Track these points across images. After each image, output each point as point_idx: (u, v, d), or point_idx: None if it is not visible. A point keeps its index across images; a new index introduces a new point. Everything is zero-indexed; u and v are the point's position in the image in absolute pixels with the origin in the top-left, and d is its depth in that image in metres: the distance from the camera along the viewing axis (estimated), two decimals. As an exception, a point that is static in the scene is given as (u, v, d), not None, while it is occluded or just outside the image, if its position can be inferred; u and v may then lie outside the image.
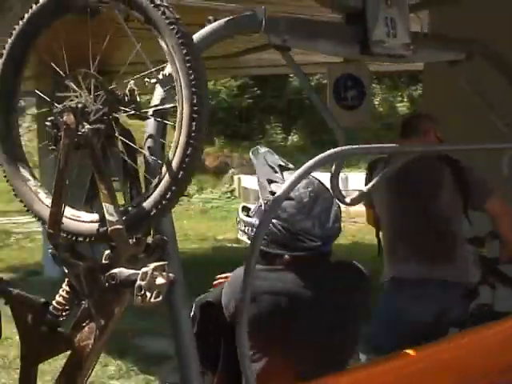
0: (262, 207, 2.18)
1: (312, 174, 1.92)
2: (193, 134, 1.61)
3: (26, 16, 1.79)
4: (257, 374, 1.85)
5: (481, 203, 3.58)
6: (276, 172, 2.22)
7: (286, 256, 2.18)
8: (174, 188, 1.61)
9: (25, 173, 1.81)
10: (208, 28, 1.83)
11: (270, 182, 2.22)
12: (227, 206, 21.14)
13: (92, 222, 1.68)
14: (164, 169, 1.63)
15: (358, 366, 2.21)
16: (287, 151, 23.67)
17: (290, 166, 2.26)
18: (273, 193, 2.13)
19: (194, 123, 1.61)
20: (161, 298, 1.52)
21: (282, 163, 2.26)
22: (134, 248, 1.62)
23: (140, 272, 1.51)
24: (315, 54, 8.42)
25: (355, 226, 15.34)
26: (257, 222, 2.12)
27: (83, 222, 1.69)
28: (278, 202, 1.73)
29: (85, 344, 1.63)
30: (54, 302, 1.71)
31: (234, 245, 14.25)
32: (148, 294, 1.50)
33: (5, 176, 1.82)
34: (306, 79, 2.19)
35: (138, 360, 5.80)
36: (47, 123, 1.68)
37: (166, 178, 1.61)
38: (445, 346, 2.29)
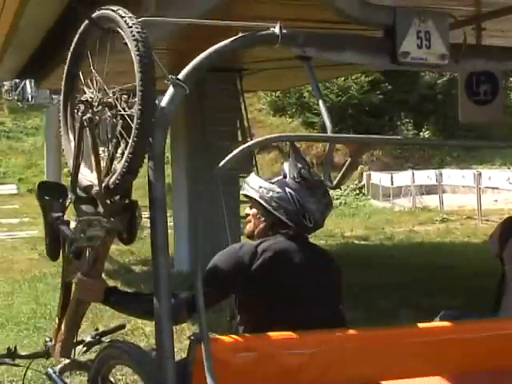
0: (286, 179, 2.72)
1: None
2: (141, 122, 2.08)
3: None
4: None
5: None
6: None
7: (290, 231, 2.67)
8: (128, 164, 2.13)
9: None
10: (226, 42, 2.23)
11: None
12: (355, 203, 20.98)
13: (90, 183, 2.31)
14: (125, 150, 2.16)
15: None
16: (419, 148, 23.15)
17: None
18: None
19: (141, 117, 2.08)
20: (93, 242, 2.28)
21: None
22: (112, 206, 2.25)
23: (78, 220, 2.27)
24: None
25: (487, 224, 14.81)
26: (277, 189, 2.68)
27: (88, 181, 2.33)
28: (221, 169, 2.12)
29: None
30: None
31: (362, 242, 14.13)
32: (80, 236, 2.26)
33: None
34: (318, 91, 2.54)
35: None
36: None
37: (125, 158, 2.15)
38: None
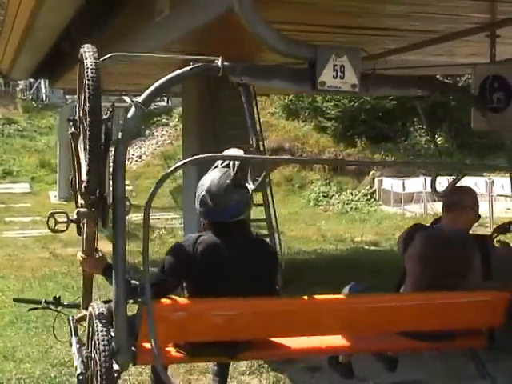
0: None
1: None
2: (91, 135, 2.75)
3: None
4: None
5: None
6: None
7: (216, 226, 3.35)
8: (90, 167, 2.80)
9: None
10: (179, 71, 2.84)
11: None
12: (366, 209, 20.93)
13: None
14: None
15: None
16: (431, 154, 23.05)
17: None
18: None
19: (91, 130, 2.75)
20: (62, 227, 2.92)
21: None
22: (93, 200, 2.87)
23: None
24: (461, 56, 8.17)
25: None
26: (197, 193, 3.40)
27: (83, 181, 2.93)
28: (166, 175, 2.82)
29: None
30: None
31: (372, 247, 14.10)
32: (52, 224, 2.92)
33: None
34: (252, 117, 3.23)
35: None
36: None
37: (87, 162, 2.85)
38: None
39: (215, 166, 3.41)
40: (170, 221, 16.43)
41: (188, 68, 2.86)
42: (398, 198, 20.40)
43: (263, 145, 10.56)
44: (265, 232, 10.37)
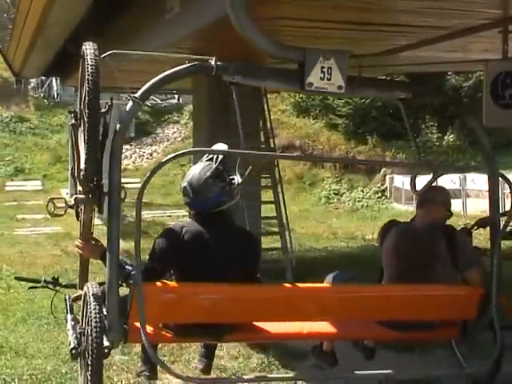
0: None
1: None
2: (89, 127, 2.99)
3: None
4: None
5: (463, 271, 3.82)
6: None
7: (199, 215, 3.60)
8: (87, 157, 3.02)
9: None
10: (174, 70, 3.04)
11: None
12: (377, 206, 20.87)
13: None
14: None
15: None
16: (443, 151, 22.95)
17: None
18: None
19: (89, 128, 3.00)
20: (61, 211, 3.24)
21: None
22: (90, 187, 3.10)
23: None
24: (474, 52, 8.11)
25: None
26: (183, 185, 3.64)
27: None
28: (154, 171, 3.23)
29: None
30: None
31: (383, 245, 14.04)
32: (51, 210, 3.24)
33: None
34: (242, 116, 3.39)
35: (279, 355, 5.87)
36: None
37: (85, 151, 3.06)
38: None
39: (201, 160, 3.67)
40: (181, 218, 16.44)
41: (183, 67, 3.08)
42: (410, 196, 20.30)
43: (274, 142, 10.54)
44: (275, 229, 10.37)
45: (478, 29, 6.11)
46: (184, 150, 3.43)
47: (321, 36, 6.80)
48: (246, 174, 3.41)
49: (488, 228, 3.83)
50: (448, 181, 19.99)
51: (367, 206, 20.83)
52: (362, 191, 21.81)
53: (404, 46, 7.46)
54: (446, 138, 23.65)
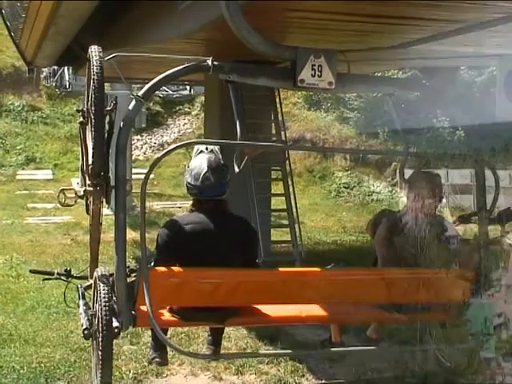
0: None
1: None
2: (96, 124, 3.21)
3: None
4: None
5: (453, 258, 4.02)
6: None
7: (195, 200, 3.91)
8: (95, 152, 3.25)
9: None
10: (173, 70, 3.28)
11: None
12: (388, 200, 20.81)
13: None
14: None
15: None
16: (453, 146, 22.84)
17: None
18: None
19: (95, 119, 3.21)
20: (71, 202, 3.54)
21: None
22: (97, 180, 3.31)
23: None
24: (487, 46, 8.05)
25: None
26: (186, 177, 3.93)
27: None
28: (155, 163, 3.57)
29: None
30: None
31: (393, 239, 14.00)
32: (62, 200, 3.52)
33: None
34: (242, 113, 3.79)
35: (287, 347, 5.88)
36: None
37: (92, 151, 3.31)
38: None
39: (199, 151, 3.89)
40: (190, 209, 16.44)
41: (182, 67, 3.32)
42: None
43: (285, 135, 10.51)
44: (285, 222, 10.36)
45: (493, 23, 6.06)
46: (185, 142, 3.76)
47: (333, 29, 6.76)
48: (243, 164, 3.84)
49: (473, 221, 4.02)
50: (459, 175, 19.93)
51: (378, 200, 20.78)
52: (373, 185, 21.74)
53: (417, 39, 7.40)
54: (457, 132, 23.55)
